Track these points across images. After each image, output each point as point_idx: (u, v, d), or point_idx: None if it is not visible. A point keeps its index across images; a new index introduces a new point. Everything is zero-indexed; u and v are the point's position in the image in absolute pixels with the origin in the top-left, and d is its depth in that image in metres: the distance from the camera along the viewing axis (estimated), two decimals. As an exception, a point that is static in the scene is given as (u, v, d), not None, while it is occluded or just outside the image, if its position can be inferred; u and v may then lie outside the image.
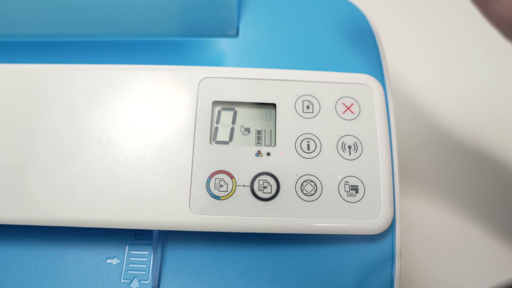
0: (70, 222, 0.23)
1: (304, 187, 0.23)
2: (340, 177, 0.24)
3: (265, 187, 0.23)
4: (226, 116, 0.25)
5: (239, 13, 0.29)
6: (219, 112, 0.25)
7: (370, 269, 0.24)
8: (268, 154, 0.24)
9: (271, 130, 0.25)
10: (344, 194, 0.23)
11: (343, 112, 0.25)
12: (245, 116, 0.25)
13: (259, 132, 0.25)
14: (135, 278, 0.24)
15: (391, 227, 0.24)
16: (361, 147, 0.24)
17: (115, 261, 0.24)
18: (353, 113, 0.25)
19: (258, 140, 0.24)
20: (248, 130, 0.25)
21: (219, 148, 0.24)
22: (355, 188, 0.23)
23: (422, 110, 0.40)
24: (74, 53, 0.28)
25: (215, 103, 0.25)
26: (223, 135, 0.24)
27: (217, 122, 0.25)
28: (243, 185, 0.23)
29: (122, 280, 0.24)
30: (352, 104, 0.25)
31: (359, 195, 0.23)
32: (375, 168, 0.24)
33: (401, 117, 0.39)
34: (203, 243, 0.24)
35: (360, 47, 0.28)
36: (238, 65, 0.27)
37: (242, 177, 0.23)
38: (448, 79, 0.42)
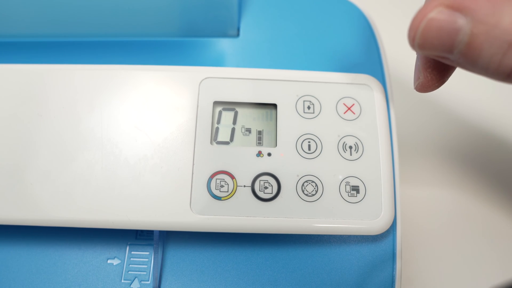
0: (70, 223, 0.23)
1: (305, 188, 0.23)
2: (341, 177, 0.24)
3: (266, 188, 0.23)
4: (227, 116, 0.25)
5: (239, 13, 0.29)
6: (220, 113, 0.25)
7: (371, 270, 0.24)
8: (269, 154, 0.24)
9: (272, 131, 0.25)
10: (345, 195, 0.23)
11: (344, 113, 0.25)
12: (246, 117, 0.25)
13: (260, 132, 0.25)
14: (136, 279, 0.24)
15: (392, 227, 0.24)
16: (362, 148, 0.24)
17: (115, 262, 0.24)
18: (354, 113, 0.25)
19: (259, 141, 0.24)
20: (249, 130, 0.25)
21: (220, 148, 0.24)
22: (356, 189, 0.23)
23: (423, 110, 0.40)
24: (74, 53, 0.28)
25: (216, 103, 0.25)
26: (224, 135, 0.24)
27: (218, 122, 0.25)
28: (244, 186, 0.23)
29: (122, 281, 0.24)
30: (353, 104, 0.25)
31: (360, 196, 0.23)
32: (376, 168, 0.24)
33: (402, 118, 0.39)
34: (204, 243, 0.24)
35: (360, 47, 0.28)
36: (239, 65, 0.27)
37: (243, 178, 0.23)
38: (448, 79, 0.42)
